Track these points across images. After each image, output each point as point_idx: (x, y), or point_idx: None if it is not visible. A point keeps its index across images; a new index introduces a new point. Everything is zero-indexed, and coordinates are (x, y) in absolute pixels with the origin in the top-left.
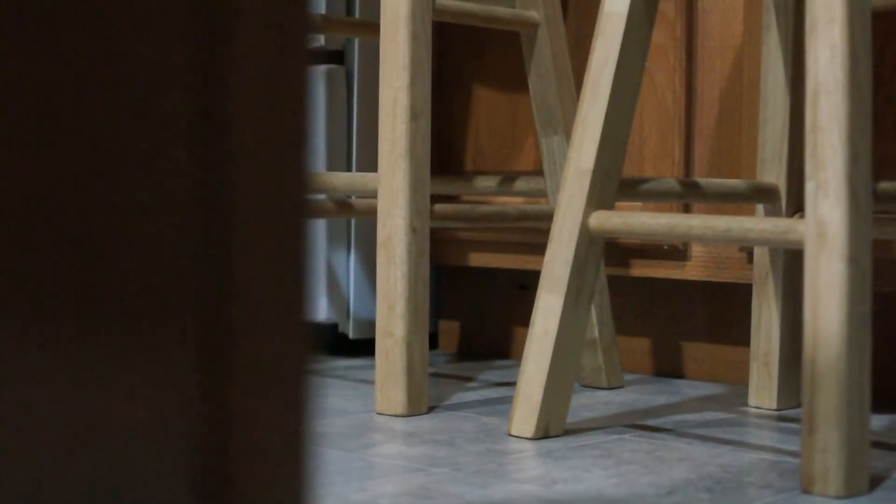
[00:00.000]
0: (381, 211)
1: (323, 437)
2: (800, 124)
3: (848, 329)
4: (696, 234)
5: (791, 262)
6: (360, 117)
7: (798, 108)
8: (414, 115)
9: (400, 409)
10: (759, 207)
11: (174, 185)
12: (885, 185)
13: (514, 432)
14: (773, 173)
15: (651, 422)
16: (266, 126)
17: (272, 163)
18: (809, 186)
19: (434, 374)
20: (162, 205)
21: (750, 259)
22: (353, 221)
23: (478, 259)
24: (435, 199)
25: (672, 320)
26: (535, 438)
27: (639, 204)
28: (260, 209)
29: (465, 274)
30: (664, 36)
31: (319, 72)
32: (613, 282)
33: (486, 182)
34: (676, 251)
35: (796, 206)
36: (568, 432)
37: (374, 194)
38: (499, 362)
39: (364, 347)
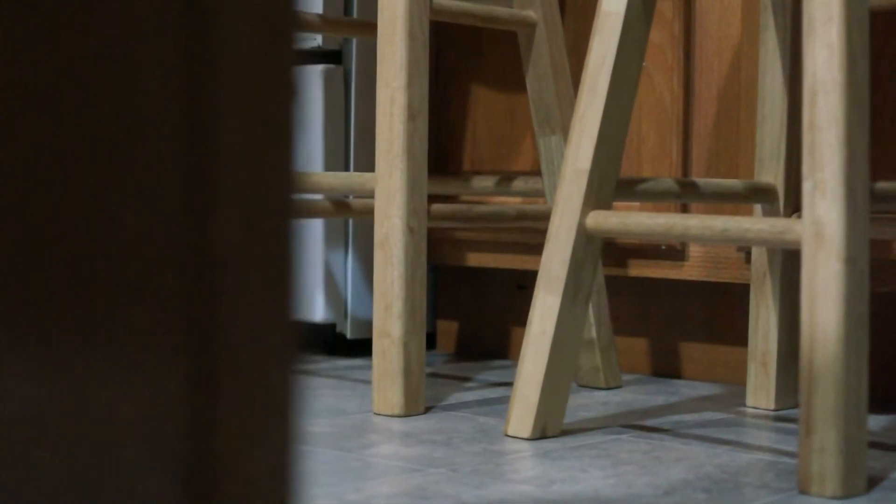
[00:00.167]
0: (378, 211)
1: (320, 437)
2: (798, 124)
3: (845, 329)
4: (693, 234)
5: (789, 263)
6: (357, 117)
7: (796, 107)
8: (411, 115)
9: (397, 410)
10: (758, 207)
11: (160, 186)
12: (882, 185)
13: (511, 433)
14: (771, 173)
15: (649, 422)
16: (253, 126)
17: (259, 163)
18: (807, 186)
19: (432, 375)
20: (147, 205)
21: (748, 259)
22: (350, 221)
23: (476, 259)
24: (433, 199)
25: (670, 320)
26: (532, 439)
27: (636, 204)
28: (247, 210)
29: (463, 274)
30: (662, 36)
31: (317, 71)
32: (611, 282)
33: (484, 182)
34: (674, 251)
35: (794, 206)
36: (565, 432)
37: (371, 194)
38: (497, 362)
39: (362, 347)
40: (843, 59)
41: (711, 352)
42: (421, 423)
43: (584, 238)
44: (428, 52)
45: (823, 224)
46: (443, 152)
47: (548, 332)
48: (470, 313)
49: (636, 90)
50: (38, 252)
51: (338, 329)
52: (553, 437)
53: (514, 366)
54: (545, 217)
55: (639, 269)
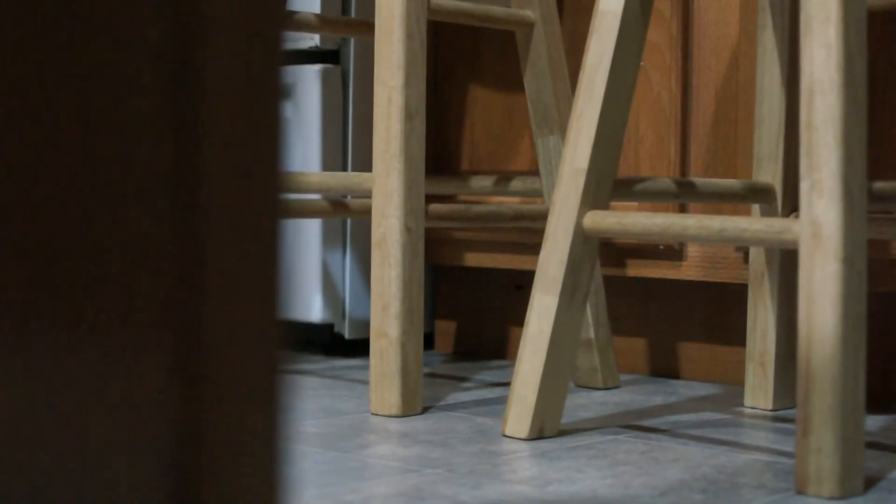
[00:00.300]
0: (375, 211)
1: (316, 437)
2: (796, 124)
3: (843, 329)
4: (690, 234)
5: (787, 263)
6: (355, 117)
7: (794, 107)
8: (409, 115)
9: (394, 410)
10: (756, 207)
11: (146, 186)
12: (880, 185)
13: (508, 433)
14: (769, 173)
15: (646, 422)
16: (239, 125)
17: (246, 162)
18: (804, 186)
19: (429, 375)
20: (134, 207)
21: (746, 259)
22: (348, 221)
23: (474, 259)
24: (431, 199)
25: (668, 320)
26: (529, 439)
27: (634, 204)
28: (233, 209)
29: (461, 274)
30: (660, 35)
31: (315, 71)
32: (609, 282)
33: (482, 182)
34: (672, 251)
35: (792, 206)
36: (562, 433)
37: (369, 194)
38: (495, 362)
39: (360, 348)
40: (840, 59)
41: (709, 352)
42: (418, 423)
43: (582, 238)
44: (426, 52)
45: (821, 224)
46: (441, 152)
47: (545, 332)
48: (468, 313)
49: (634, 90)
50: (21, 252)
51: (336, 329)
52: (550, 437)
53: (512, 366)
54: (543, 217)
55: (637, 269)
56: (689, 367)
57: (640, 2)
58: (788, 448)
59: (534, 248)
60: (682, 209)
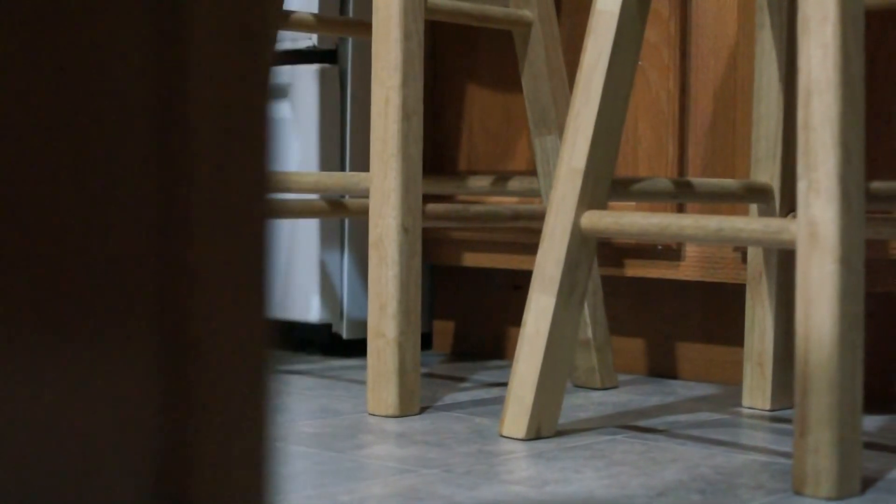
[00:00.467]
0: (372, 211)
1: (313, 437)
2: (793, 123)
3: (840, 329)
4: (687, 234)
5: (785, 263)
6: (353, 117)
7: (792, 107)
8: (406, 115)
9: (391, 410)
10: (754, 207)
11: (133, 187)
12: (878, 185)
13: (505, 433)
14: (767, 173)
15: (644, 422)
16: (226, 127)
17: (232, 164)
18: (801, 186)
19: (427, 375)
20: (120, 206)
21: (744, 259)
22: (346, 221)
23: (472, 259)
24: (428, 198)
25: (666, 321)
26: (526, 439)
27: (632, 204)
28: (220, 209)
29: (459, 274)
30: (658, 35)
31: (312, 71)
32: (607, 282)
33: (480, 182)
34: (670, 251)
35: (790, 206)
36: (560, 433)
37: (367, 194)
38: (493, 363)
39: (358, 348)
40: (837, 59)
41: (708, 352)
42: (415, 423)
43: (579, 238)
44: (423, 52)
45: (818, 224)
46: (438, 152)
47: (542, 332)
48: (466, 313)
49: (631, 89)
50: (8, 256)
51: (334, 329)
52: (547, 437)
53: (510, 366)
54: (541, 217)
55: (635, 270)
56: (686, 368)
57: (637, 1)
58: (786, 448)
59: (532, 248)
60: (680, 209)
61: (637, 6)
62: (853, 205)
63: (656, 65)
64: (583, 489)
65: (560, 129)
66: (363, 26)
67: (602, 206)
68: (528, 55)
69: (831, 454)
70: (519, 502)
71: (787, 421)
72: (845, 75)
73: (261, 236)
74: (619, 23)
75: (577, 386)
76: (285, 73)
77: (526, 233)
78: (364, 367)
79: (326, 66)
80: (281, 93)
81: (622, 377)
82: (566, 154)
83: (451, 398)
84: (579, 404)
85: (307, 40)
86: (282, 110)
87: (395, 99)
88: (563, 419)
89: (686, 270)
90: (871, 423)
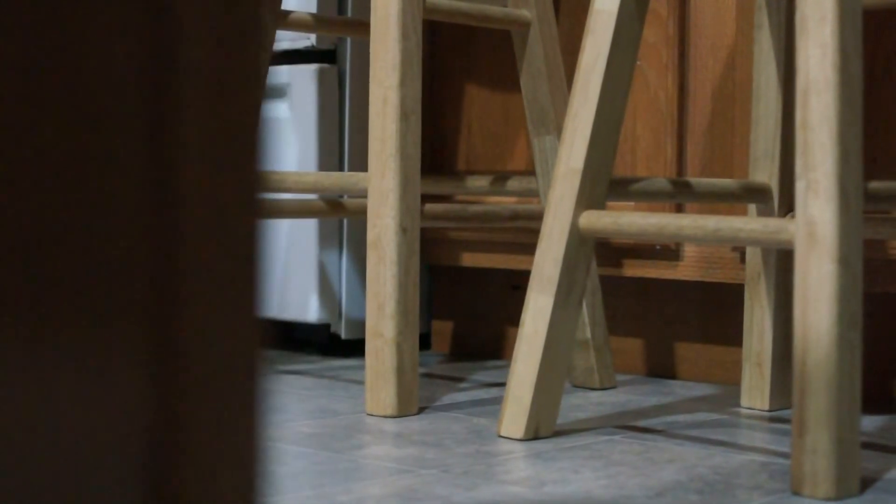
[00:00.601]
0: (370, 211)
1: (311, 437)
2: (792, 123)
3: (838, 330)
4: (686, 234)
5: (784, 263)
6: (352, 117)
7: (791, 107)
8: (404, 115)
9: (390, 410)
10: (752, 207)
11: (123, 188)
12: (876, 185)
13: (503, 433)
14: (766, 173)
15: (642, 423)
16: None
17: (223, 162)
18: (800, 186)
19: (426, 375)
20: (110, 207)
21: (743, 259)
22: (345, 221)
23: (471, 259)
24: (427, 198)
25: (664, 320)
26: (524, 440)
27: (631, 204)
28: (210, 209)
29: (458, 274)
30: (656, 34)
31: (311, 71)
32: (606, 282)
33: (478, 182)
34: (669, 251)
35: (788, 206)
36: (558, 433)
37: (365, 194)
38: (491, 363)
39: (356, 348)
40: (836, 58)
41: (706, 352)
42: (413, 423)
43: (577, 238)
44: (421, 52)
45: (816, 224)
46: (437, 152)
47: (540, 332)
48: (465, 313)
49: (629, 89)
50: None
51: (332, 329)
52: (546, 437)
53: (509, 366)
54: (539, 217)
55: (633, 270)
56: (685, 368)
57: (635, 1)
58: (784, 449)
59: (530, 248)
60: (679, 209)
61: (635, 6)
62: (851, 204)
63: (655, 65)
64: (581, 489)
65: (559, 129)
66: (362, 26)
67: (600, 206)
68: (527, 55)
69: (829, 454)
70: (517, 503)
71: (786, 421)
72: (843, 75)
73: (252, 236)
74: (617, 23)
75: (575, 386)
76: (284, 73)
77: (524, 233)
78: (362, 368)
79: (325, 66)
80: (279, 93)
81: (621, 377)
82: (564, 154)
83: (449, 398)
84: (578, 404)
85: (306, 40)
86: (280, 110)
87: (393, 99)
88: (562, 419)
89: (685, 270)
90: (870, 423)
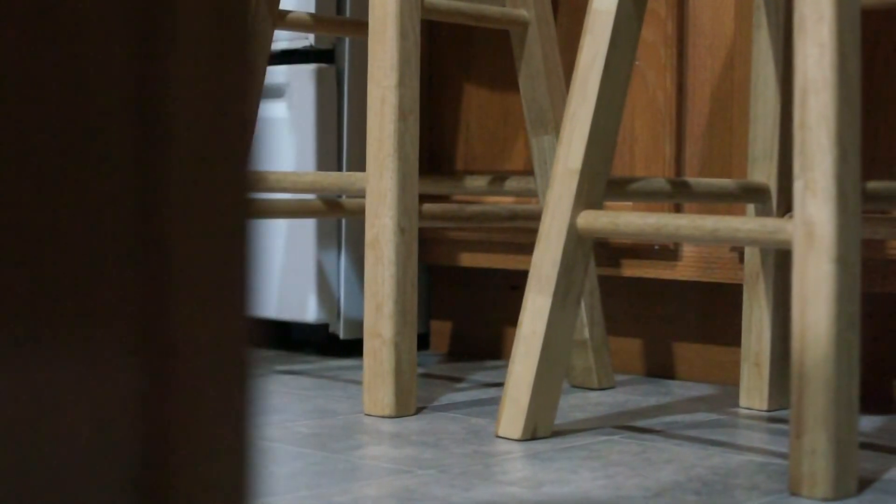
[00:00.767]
0: (368, 211)
1: (308, 438)
2: (791, 123)
3: (836, 330)
4: (684, 234)
5: (782, 263)
6: (350, 116)
7: (789, 106)
8: (402, 115)
9: (387, 411)
10: (751, 207)
11: (110, 185)
12: (874, 185)
13: (501, 434)
14: (764, 172)
15: (640, 423)
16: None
17: (212, 161)
18: (798, 186)
19: (424, 375)
20: (99, 208)
21: (741, 259)
22: (343, 221)
23: (469, 259)
24: (425, 198)
25: (663, 321)
26: (522, 440)
27: (629, 204)
28: (200, 209)
29: (456, 274)
30: (655, 34)
31: (309, 71)
32: (604, 282)
33: (477, 182)
34: (667, 251)
35: (787, 206)
36: (556, 433)
37: (363, 194)
38: (490, 363)
39: (355, 348)
40: (834, 58)
41: (705, 352)
42: (411, 424)
43: (575, 238)
44: (419, 52)
45: (814, 224)
46: (435, 152)
47: (538, 332)
48: (463, 313)
49: (627, 89)
50: None
51: (331, 329)
52: (544, 438)
53: (507, 366)
54: (538, 217)
55: (632, 270)
56: (684, 368)
57: (633, 1)
58: (783, 449)
59: (529, 249)
60: (677, 209)
61: (633, 6)
62: (849, 204)
63: (653, 64)
64: (578, 490)
65: (557, 129)
66: (360, 26)
67: (598, 206)
68: (525, 55)
69: (827, 455)
70: (514, 503)
71: (784, 421)
72: (842, 75)
73: (242, 236)
74: (615, 22)
75: (574, 386)
76: (282, 73)
77: (523, 233)
78: (360, 368)
79: (323, 65)
80: (278, 92)
81: (619, 377)
82: (562, 154)
83: (447, 398)
84: (576, 404)
85: (304, 40)
86: (278, 110)
87: (391, 98)
88: (560, 420)
89: (683, 270)
90: (869, 423)
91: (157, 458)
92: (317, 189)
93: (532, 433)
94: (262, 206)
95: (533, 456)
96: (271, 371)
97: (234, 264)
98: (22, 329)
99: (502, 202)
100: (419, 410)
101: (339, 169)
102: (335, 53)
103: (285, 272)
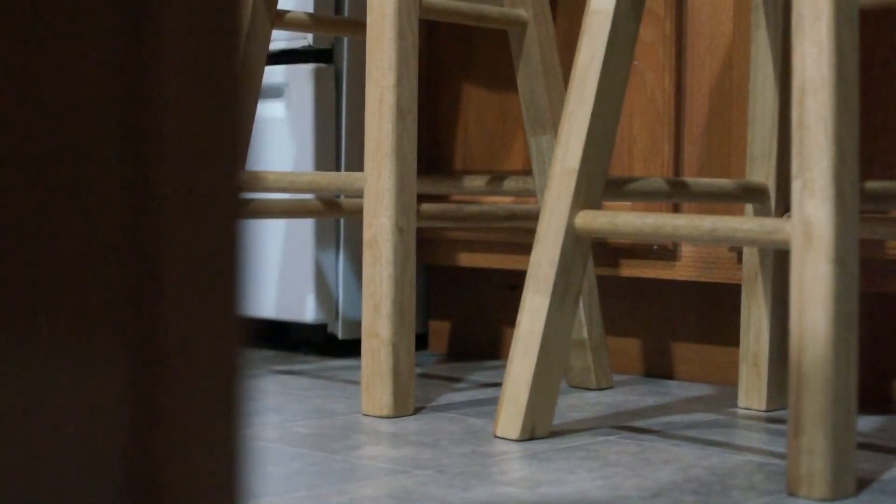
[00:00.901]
0: (367, 211)
1: (306, 438)
2: (789, 123)
3: (834, 330)
4: (682, 234)
5: (780, 263)
6: (349, 116)
7: (788, 106)
8: (400, 115)
9: (385, 411)
10: (749, 207)
11: (101, 184)
12: (872, 185)
13: (499, 434)
14: (763, 172)
15: (639, 423)
16: (196, 123)
17: (203, 160)
18: (796, 186)
19: (423, 375)
20: (90, 203)
21: (739, 259)
22: (341, 221)
23: (468, 259)
24: (423, 198)
25: (662, 321)
26: (520, 440)
27: (628, 204)
28: (191, 208)
29: (455, 274)
30: (654, 34)
31: (308, 71)
32: (603, 282)
33: (475, 181)
34: (666, 251)
35: (786, 206)
36: (554, 434)
37: (361, 194)
38: (489, 363)
39: (354, 348)
40: (832, 58)
41: (703, 352)
42: (409, 424)
43: (573, 238)
44: (418, 51)
45: (812, 224)
46: (434, 152)
47: (536, 332)
48: (462, 313)
49: (625, 89)
50: None
51: (329, 329)
52: (542, 438)
53: (506, 366)
54: (536, 217)
55: (630, 270)
56: (682, 368)
57: (631, 1)
58: (781, 449)
59: (528, 248)
60: (676, 209)
61: (631, 6)
62: (848, 204)
63: (652, 64)
64: (576, 490)
65: (555, 129)
66: (358, 26)
67: (597, 205)
68: (524, 55)
69: (825, 455)
70: (512, 503)
71: (783, 422)
72: (840, 74)
73: (232, 237)
74: (613, 22)
75: (572, 386)
76: (280, 73)
77: (521, 233)
78: (358, 368)
79: (322, 65)
80: (276, 92)
81: (618, 377)
82: (560, 154)
83: (445, 399)
84: (574, 404)
85: (302, 40)
86: (277, 110)
87: (389, 98)
88: (558, 419)
89: (682, 270)
90: (867, 423)
91: (149, 456)
92: (315, 189)
93: (530, 433)
94: (259, 205)
95: (531, 456)
96: (269, 371)
97: (225, 264)
98: (12, 328)
99: (501, 202)
100: (417, 410)
101: (338, 169)
102: (333, 53)
103: (283, 272)
